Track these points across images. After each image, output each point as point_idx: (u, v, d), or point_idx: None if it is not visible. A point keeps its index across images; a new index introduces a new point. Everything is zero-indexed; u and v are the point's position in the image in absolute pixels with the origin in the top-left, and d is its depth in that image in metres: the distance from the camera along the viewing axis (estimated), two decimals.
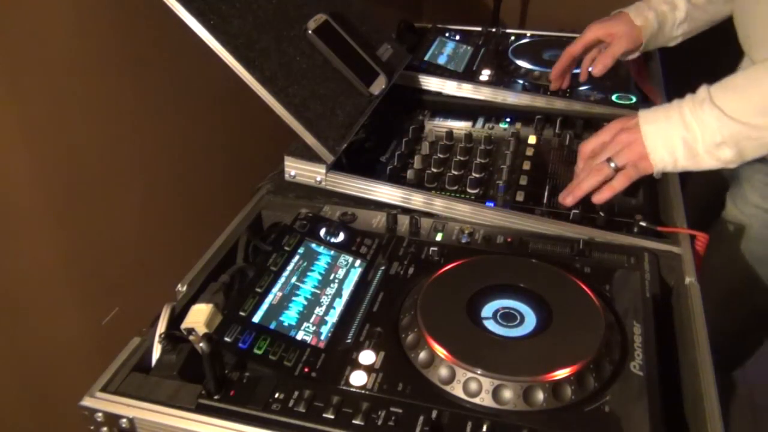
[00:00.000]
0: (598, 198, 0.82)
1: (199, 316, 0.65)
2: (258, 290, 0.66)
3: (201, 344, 0.55)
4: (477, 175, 0.92)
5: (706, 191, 1.18)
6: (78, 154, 0.88)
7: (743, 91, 0.76)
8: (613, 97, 1.09)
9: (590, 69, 1.09)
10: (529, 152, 0.99)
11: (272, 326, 0.64)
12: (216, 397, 0.58)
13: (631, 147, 0.81)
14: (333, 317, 0.67)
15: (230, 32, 0.79)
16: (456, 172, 0.93)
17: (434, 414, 0.56)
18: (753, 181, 1.03)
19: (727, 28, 0.99)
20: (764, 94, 0.75)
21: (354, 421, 0.55)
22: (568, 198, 0.84)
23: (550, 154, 0.98)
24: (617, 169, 0.82)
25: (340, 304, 0.69)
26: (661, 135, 0.79)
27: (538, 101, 1.10)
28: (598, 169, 0.83)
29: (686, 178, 1.05)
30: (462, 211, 0.83)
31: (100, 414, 0.60)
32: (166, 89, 1.02)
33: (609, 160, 0.82)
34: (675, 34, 1.09)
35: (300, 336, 0.64)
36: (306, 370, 0.61)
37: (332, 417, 0.56)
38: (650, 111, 0.82)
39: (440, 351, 0.60)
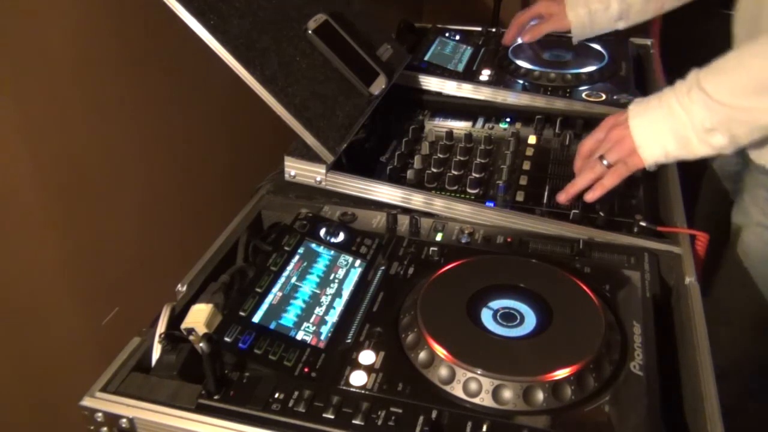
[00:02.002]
0: (590, 196, 0.83)
1: (199, 316, 0.65)
2: (258, 290, 0.66)
3: (201, 344, 0.55)
4: (477, 175, 0.92)
5: (716, 202, 1.17)
6: (78, 154, 0.88)
7: (729, 74, 0.75)
8: (614, 97, 1.09)
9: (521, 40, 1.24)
10: (529, 152, 0.99)
11: (272, 326, 0.64)
12: (216, 397, 0.58)
13: (621, 143, 0.81)
14: (333, 317, 0.67)
15: (230, 32, 0.79)
16: (456, 172, 0.93)
17: (434, 414, 0.56)
18: (755, 195, 1.00)
19: (728, 28, 0.99)
20: (750, 75, 0.74)
21: (354, 421, 0.55)
22: (561, 195, 0.85)
23: (550, 154, 0.98)
24: (610, 166, 0.82)
25: (340, 304, 0.68)
26: (650, 128, 0.79)
27: (538, 101, 1.10)
28: (591, 167, 0.84)
29: (696, 187, 1.04)
30: (462, 211, 0.83)
31: (100, 414, 0.60)
32: (166, 89, 1.02)
33: (602, 157, 0.83)
34: (616, 27, 1.16)
35: (300, 336, 0.64)
36: (306, 370, 0.61)
37: (332, 417, 0.56)
38: (640, 104, 0.82)
39: (440, 351, 0.60)
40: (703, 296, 0.70)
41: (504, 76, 1.17)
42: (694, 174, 1.14)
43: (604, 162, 0.82)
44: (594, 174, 0.83)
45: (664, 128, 0.78)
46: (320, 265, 0.72)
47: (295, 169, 0.86)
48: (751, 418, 1.13)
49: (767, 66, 0.73)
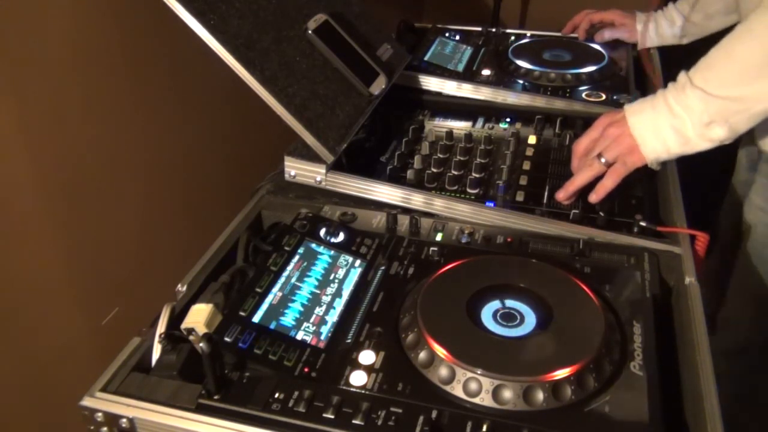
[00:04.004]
0: (593, 198, 0.84)
1: (199, 316, 0.65)
2: (258, 290, 0.66)
3: (201, 344, 0.55)
4: (477, 175, 0.92)
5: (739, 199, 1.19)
6: (78, 154, 0.88)
7: (719, 66, 0.76)
8: (613, 97, 1.09)
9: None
10: (529, 152, 0.99)
11: (272, 326, 0.64)
12: (216, 397, 0.58)
13: (619, 140, 0.82)
14: (333, 317, 0.67)
15: (230, 32, 0.79)
16: (456, 172, 0.93)
17: (434, 414, 0.56)
18: (758, 184, 1.03)
19: (727, 29, 0.99)
20: (736, 63, 0.75)
21: (354, 421, 0.55)
22: (560, 193, 0.86)
23: (550, 154, 0.98)
24: (608, 164, 0.83)
25: (340, 304, 0.69)
26: (649, 125, 0.80)
27: (538, 101, 1.10)
28: (589, 165, 0.84)
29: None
30: (462, 211, 0.83)
31: (100, 414, 0.60)
32: (166, 89, 1.02)
33: (599, 155, 0.83)
34: (680, 42, 1.24)
35: (300, 336, 0.64)
36: (306, 370, 0.61)
37: (332, 417, 0.56)
38: (636, 103, 0.83)
39: (440, 351, 0.60)
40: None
41: (504, 76, 1.17)
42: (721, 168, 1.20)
43: (602, 160, 0.83)
44: (592, 171, 0.84)
45: (664, 125, 0.79)
46: (320, 265, 0.72)
47: (295, 169, 0.86)
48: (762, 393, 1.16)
49: (751, 50, 0.74)
